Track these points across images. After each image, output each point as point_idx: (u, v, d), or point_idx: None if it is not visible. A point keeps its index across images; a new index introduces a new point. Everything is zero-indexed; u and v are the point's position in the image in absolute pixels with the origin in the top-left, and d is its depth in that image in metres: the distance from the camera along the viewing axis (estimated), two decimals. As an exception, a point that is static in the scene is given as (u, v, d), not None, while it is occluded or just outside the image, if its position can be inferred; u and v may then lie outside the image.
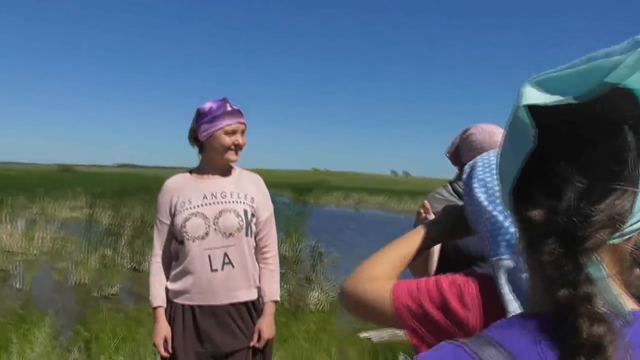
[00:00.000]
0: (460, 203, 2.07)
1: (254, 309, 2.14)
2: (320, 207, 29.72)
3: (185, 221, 2.02)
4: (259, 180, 2.26)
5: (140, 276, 8.82)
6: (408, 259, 1.05)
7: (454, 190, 2.14)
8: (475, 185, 0.96)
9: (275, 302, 2.19)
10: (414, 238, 1.06)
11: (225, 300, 2.05)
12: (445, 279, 0.93)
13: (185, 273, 2.04)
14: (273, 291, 2.18)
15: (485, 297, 0.89)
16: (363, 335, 4.55)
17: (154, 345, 2.06)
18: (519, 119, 0.52)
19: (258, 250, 2.19)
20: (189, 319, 2.05)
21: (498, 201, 0.92)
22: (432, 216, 1.81)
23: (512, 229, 0.88)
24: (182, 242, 2.04)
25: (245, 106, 2.16)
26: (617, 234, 0.49)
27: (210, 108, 2.03)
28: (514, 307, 0.84)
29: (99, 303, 6.39)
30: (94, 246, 9.48)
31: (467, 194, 1.00)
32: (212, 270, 2.01)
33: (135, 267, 9.07)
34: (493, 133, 2.08)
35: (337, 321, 6.16)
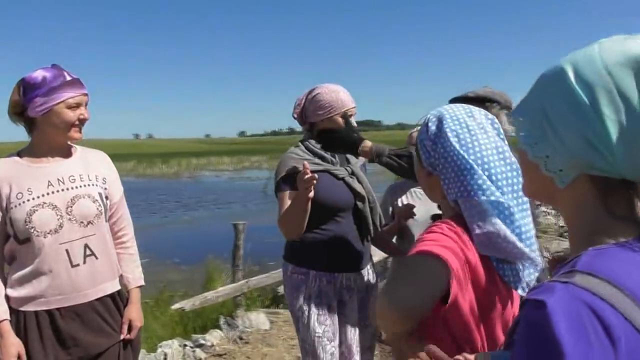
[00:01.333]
0: (315, 159, 2.18)
1: (119, 299, 1.97)
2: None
3: (30, 215, 1.73)
4: (105, 158, 2.03)
5: None
6: None
7: (307, 148, 2.23)
8: (450, 135, 1.11)
9: (141, 287, 2.06)
10: None
11: (91, 297, 1.84)
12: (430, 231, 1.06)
13: (36, 274, 1.76)
14: (137, 276, 2.04)
15: (458, 233, 1.07)
16: (175, 307, 4.40)
17: None
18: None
19: (113, 235, 1.99)
20: (46, 325, 1.78)
21: (471, 151, 1.09)
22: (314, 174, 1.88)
23: (484, 176, 1.07)
24: (27, 240, 1.74)
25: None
26: None
27: (44, 78, 1.73)
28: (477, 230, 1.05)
29: None
30: None
31: (434, 141, 1.14)
32: (72, 265, 1.78)
33: None
34: (338, 92, 2.22)
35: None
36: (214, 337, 4.13)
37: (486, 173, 1.08)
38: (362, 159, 2.41)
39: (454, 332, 1.05)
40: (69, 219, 1.77)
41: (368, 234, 2.25)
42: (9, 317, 1.75)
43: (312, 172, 2.13)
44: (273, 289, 5.60)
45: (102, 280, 1.87)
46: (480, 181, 1.06)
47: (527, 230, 1.08)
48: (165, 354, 3.62)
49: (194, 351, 3.84)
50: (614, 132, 0.64)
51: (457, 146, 1.10)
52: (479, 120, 1.14)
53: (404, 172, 1.86)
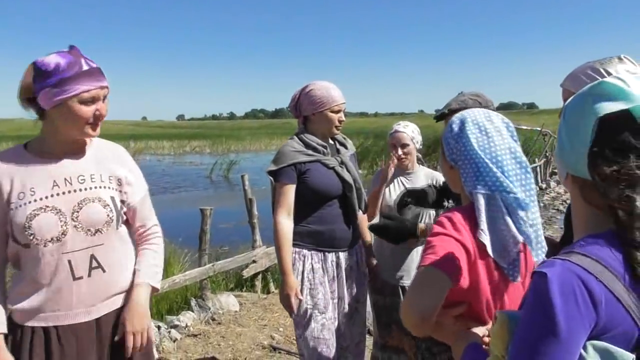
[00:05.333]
0: (308, 150, 2.36)
1: None
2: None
3: (31, 219, 1.52)
4: (123, 154, 1.80)
5: None
6: None
7: (301, 140, 2.41)
8: (471, 136, 1.30)
9: (154, 289, 1.76)
10: None
11: (94, 314, 1.63)
12: (436, 231, 1.23)
13: (35, 286, 1.56)
14: (149, 273, 1.74)
15: (469, 219, 1.26)
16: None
17: None
18: (593, 106, 0.86)
19: (137, 234, 1.80)
20: (39, 345, 1.57)
21: (487, 151, 1.28)
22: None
23: (497, 175, 1.25)
24: (26, 246, 1.54)
25: None
26: None
27: (57, 66, 1.50)
28: (483, 225, 1.23)
29: None
30: None
31: (457, 141, 1.32)
32: (75, 278, 1.57)
33: None
34: (329, 88, 2.42)
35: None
36: (187, 318, 4.23)
37: (500, 170, 1.26)
38: (351, 150, 2.63)
39: (477, 310, 1.27)
40: (75, 226, 1.56)
41: (354, 218, 2.48)
42: (5, 331, 1.56)
43: (304, 162, 2.33)
44: (237, 272, 5.73)
45: (108, 296, 1.65)
46: (495, 177, 1.25)
47: (535, 219, 1.26)
48: (143, 335, 3.69)
49: (169, 332, 3.94)
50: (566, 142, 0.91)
51: (476, 146, 1.28)
52: (497, 124, 1.32)
53: None
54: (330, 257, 2.41)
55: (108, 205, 1.63)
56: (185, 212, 11.86)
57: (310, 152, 2.38)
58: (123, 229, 1.72)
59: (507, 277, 1.27)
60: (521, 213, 1.24)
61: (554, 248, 1.55)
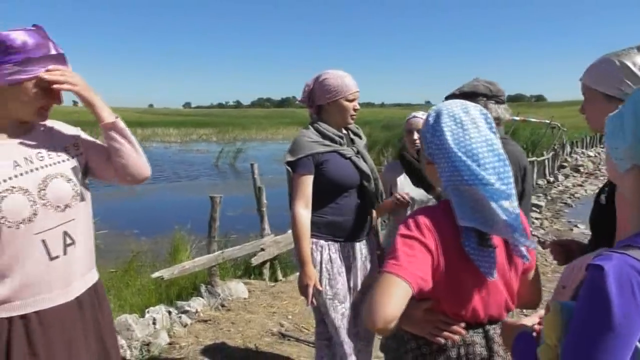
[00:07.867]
0: (324, 141, 2.37)
1: (98, 292, 1.73)
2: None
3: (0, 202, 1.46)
4: (64, 124, 1.75)
5: None
6: None
7: (317, 130, 2.41)
8: (445, 129, 1.27)
9: (112, 122, 1.63)
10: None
11: (75, 292, 1.60)
12: (401, 233, 1.23)
13: (8, 272, 1.48)
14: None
15: (434, 220, 1.24)
16: (155, 275, 4.51)
17: None
18: None
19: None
20: (20, 335, 1.48)
21: (462, 144, 1.25)
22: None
23: (473, 168, 1.23)
24: None
25: None
26: None
27: (24, 44, 1.44)
28: (461, 220, 1.22)
29: None
30: None
31: (432, 134, 1.30)
32: (51, 258, 1.53)
33: None
34: (343, 77, 2.41)
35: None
36: (197, 304, 4.28)
37: (475, 164, 1.23)
38: (364, 140, 2.64)
39: (444, 308, 1.29)
40: (44, 204, 1.51)
41: (372, 207, 2.50)
42: None
43: (321, 153, 2.33)
44: (246, 260, 5.78)
45: (83, 272, 1.63)
46: (470, 171, 1.22)
47: (513, 210, 1.23)
48: (154, 319, 3.75)
49: (179, 317, 3.99)
50: None
51: (450, 140, 1.25)
52: (473, 115, 1.29)
53: None
54: (347, 247, 2.43)
55: (71, 179, 1.59)
56: (192, 200, 11.94)
57: (327, 142, 2.37)
58: (85, 200, 1.66)
59: (483, 275, 1.25)
60: (504, 203, 1.22)
61: (580, 251, 1.51)
